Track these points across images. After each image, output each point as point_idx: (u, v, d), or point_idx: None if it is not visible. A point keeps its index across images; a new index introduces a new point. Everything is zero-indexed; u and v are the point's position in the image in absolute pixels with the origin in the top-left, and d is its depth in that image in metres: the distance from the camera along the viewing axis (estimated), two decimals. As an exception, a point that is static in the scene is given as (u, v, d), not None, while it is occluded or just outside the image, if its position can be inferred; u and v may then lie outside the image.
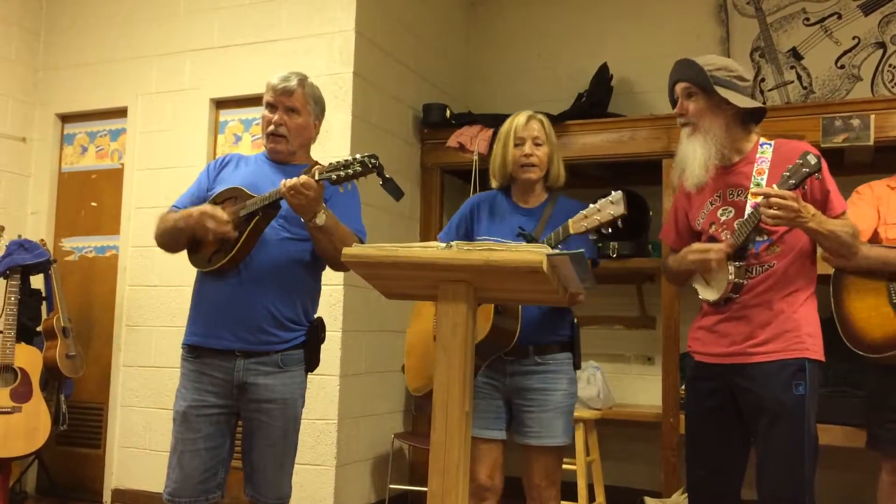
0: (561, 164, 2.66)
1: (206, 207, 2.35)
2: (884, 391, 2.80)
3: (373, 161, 2.19)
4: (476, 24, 5.25)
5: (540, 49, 5.03)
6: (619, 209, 2.24)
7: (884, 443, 2.78)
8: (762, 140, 2.38)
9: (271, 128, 2.46)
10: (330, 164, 2.23)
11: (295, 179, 2.19)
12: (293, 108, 2.46)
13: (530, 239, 2.38)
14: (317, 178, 2.21)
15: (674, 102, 2.45)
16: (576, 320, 2.63)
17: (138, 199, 4.43)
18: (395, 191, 2.29)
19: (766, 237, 2.26)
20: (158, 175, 4.39)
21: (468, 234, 2.66)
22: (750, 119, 2.37)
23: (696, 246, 2.34)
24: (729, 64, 2.36)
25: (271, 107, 2.47)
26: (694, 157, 2.33)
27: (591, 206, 2.30)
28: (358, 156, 2.20)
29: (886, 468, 2.81)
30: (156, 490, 4.05)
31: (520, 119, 2.63)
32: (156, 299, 4.30)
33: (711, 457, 2.37)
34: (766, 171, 2.29)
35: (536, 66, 5.01)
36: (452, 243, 1.89)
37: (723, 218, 2.34)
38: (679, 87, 2.38)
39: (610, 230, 2.28)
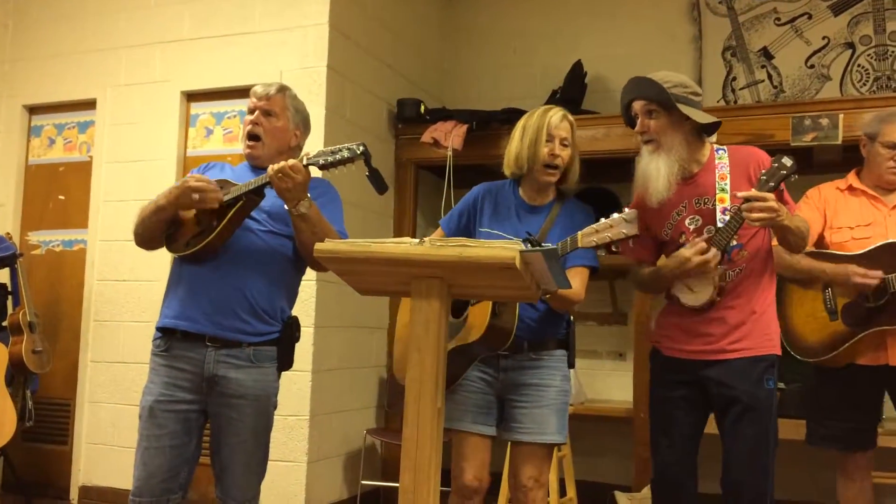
0: (578, 166, 2.55)
1: (189, 176, 2.36)
2: (821, 391, 2.90)
3: (360, 148, 2.20)
4: (451, 19, 5.24)
5: (515, 45, 5.03)
6: (633, 229, 2.20)
7: (821, 439, 2.87)
8: (716, 147, 2.50)
9: (248, 128, 2.48)
10: (318, 150, 2.25)
11: (283, 162, 2.20)
12: (270, 111, 2.48)
13: (536, 245, 2.35)
14: (304, 162, 2.22)
15: (629, 119, 2.53)
16: (572, 318, 2.60)
17: (107, 193, 4.37)
18: (379, 183, 2.27)
19: (736, 241, 2.38)
20: (128, 168, 4.33)
21: (469, 225, 2.58)
22: (703, 131, 2.49)
23: (690, 259, 2.34)
24: (684, 80, 2.47)
25: (250, 112, 2.50)
26: (658, 174, 2.41)
27: (604, 220, 2.24)
28: (346, 144, 2.22)
29: (841, 468, 2.89)
30: (123, 487, 4.00)
31: (555, 116, 2.50)
32: (124, 294, 4.24)
33: (679, 446, 2.50)
34: (728, 176, 2.41)
35: (511, 63, 5.01)
36: (426, 239, 1.88)
37: (692, 227, 2.45)
38: (638, 104, 2.46)
39: (618, 248, 2.26)
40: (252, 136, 2.48)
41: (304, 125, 2.58)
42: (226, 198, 2.31)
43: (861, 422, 2.80)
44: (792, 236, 2.38)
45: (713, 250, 2.31)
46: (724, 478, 2.41)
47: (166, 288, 2.46)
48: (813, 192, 2.98)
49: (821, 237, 2.90)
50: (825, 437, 2.85)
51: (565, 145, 2.50)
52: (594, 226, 2.25)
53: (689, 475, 2.52)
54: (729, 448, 2.40)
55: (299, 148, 2.56)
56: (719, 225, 2.36)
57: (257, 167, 2.48)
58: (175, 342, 2.35)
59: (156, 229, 2.41)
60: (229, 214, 2.30)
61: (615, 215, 2.23)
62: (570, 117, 2.54)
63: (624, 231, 2.20)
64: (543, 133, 2.48)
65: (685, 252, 2.35)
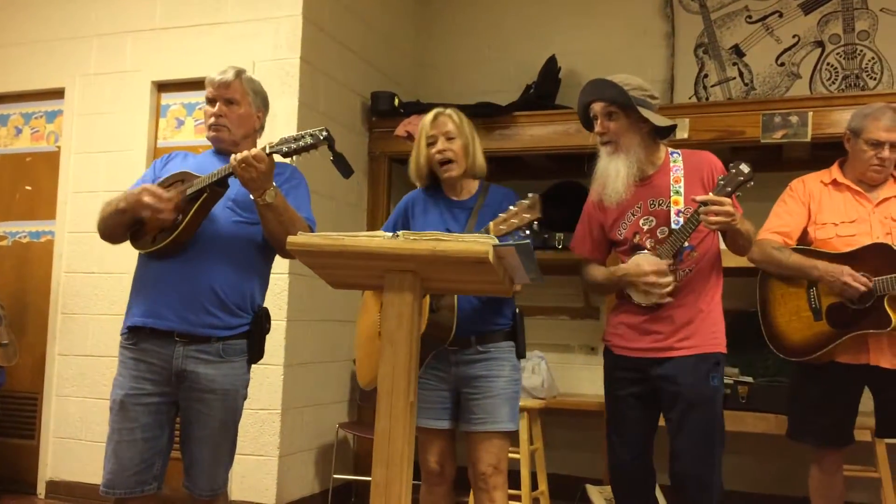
0: (480, 154, 2.62)
1: (147, 185, 2.33)
2: (803, 387, 2.89)
3: (323, 134, 2.18)
4: (426, 12, 5.22)
5: (489, 39, 5.03)
6: (535, 213, 2.25)
7: (803, 434, 2.89)
8: (671, 150, 2.56)
9: (211, 120, 2.46)
10: (281, 138, 2.23)
11: (246, 152, 2.18)
12: (231, 100, 2.46)
13: None
14: (267, 151, 2.20)
15: (586, 120, 2.58)
16: (518, 309, 2.65)
17: (76, 184, 4.30)
18: (344, 167, 2.26)
19: (687, 243, 2.45)
20: (97, 159, 4.26)
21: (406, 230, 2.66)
22: (658, 133, 2.53)
23: (649, 275, 2.44)
24: (642, 83, 2.51)
25: (211, 101, 2.47)
26: (617, 175, 2.47)
27: (511, 208, 2.31)
28: (309, 129, 2.20)
29: (816, 461, 2.90)
30: (92, 482, 3.95)
31: (426, 119, 2.60)
32: (93, 286, 4.19)
33: (635, 442, 2.56)
34: (682, 179, 2.48)
35: (486, 57, 5.01)
36: (399, 233, 1.88)
37: (645, 227, 2.51)
38: (598, 106, 2.51)
39: (528, 232, 2.29)
40: (217, 125, 2.45)
41: (264, 105, 2.58)
42: (189, 191, 2.29)
43: (841, 418, 2.80)
44: (742, 240, 2.45)
45: (669, 277, 2.42)
46: (672, 470, 2.47)
47: (133, 284, 2.42)
48: (797, 184, 2.94)
49: (804, 233, 2.86)
50: (806, 432, 2.86)
51: (451, 138, 2.56)
52: (503, 215, 2.32)
53: (644, 470, 2.58)
54: (675, 443, 2.46)
55: (262, 128, 2.58)
56: (674, 227, 2.42)
57: (222, 152, 2.46)
58: (143, 338, 2.33)
59: (118, 227, 2.39)
60: (194, 208, 2.27)
61: (519, 201, 2.30)
62: (448, 112, 2.60)
63: (527, 216, 2.26)
64: (423, 138, 2.58)
65: (646, 267, 2.43)
